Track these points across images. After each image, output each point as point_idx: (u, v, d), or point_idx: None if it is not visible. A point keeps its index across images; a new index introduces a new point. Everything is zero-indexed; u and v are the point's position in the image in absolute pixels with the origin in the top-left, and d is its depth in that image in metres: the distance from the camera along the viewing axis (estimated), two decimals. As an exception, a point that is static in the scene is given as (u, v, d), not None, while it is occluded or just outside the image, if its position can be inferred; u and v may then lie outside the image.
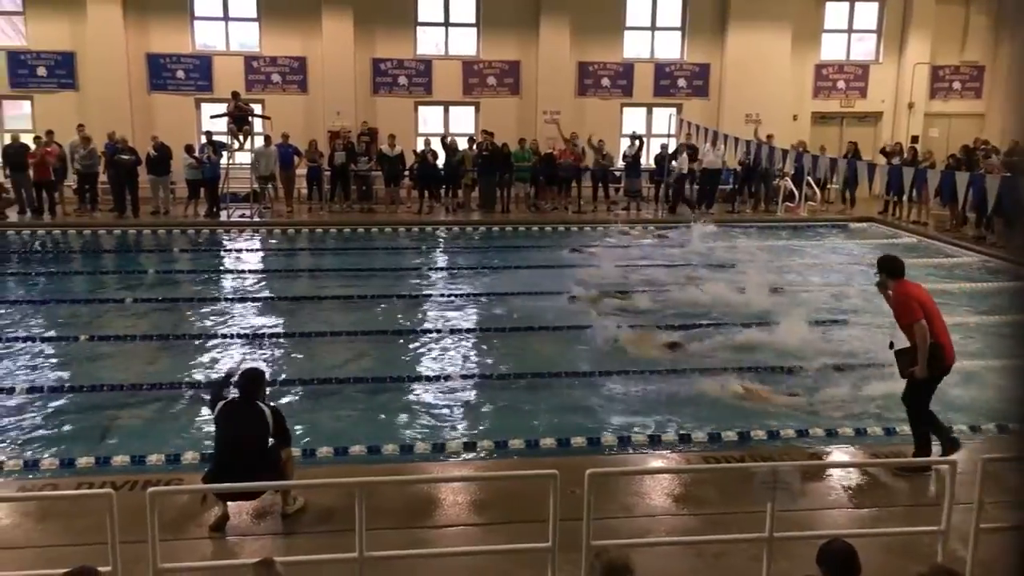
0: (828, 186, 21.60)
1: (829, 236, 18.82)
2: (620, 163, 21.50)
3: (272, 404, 6.58)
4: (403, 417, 8.49)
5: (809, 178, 20.56)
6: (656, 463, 7.46)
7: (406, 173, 20.64)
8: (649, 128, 23.71)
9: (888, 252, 7.62)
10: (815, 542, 4.48)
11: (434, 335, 11.17)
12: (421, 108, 23.18)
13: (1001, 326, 10.97)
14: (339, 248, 17.30)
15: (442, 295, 13.19)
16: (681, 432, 7.92)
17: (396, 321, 11.89)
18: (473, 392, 9.15)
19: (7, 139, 19.59)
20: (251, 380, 6.36)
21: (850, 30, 24.40)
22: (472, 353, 10.53)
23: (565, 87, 23.04)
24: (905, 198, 19.31)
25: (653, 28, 23.65)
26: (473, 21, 23.00)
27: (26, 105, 21.80)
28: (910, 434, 7.18)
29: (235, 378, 6.61)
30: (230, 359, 10.01)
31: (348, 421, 8.35)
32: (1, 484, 6.89)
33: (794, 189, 20.92)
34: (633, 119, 23.65)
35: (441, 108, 23.31)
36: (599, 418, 8.42)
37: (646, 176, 21.64)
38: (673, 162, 20.63)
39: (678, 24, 23.68)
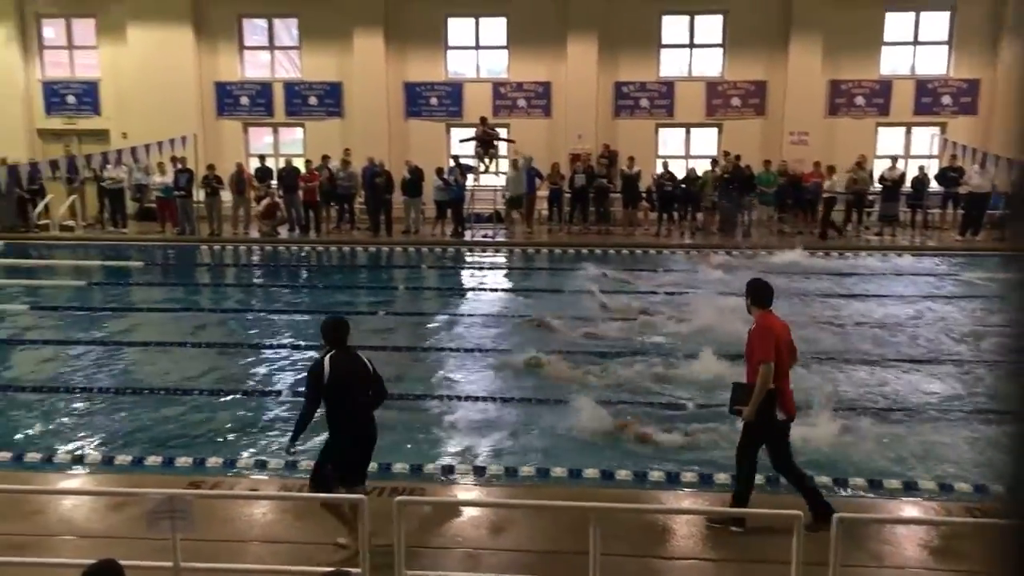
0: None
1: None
2: (876, 186, 20.26)
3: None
4: (639, 444, 8.35)
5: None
6: (911, 511, 6.88)
7: (644, 195, 20.66)
8: (907, 149, 22.22)
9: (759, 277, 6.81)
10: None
11: (673, 359, 10.90)
12: (662, 130, 23.08)
13: None
14: (575, 269, 17.45)
15: (672, 317, 12.88)
16: (942, 482, 7.24)
17: (629, 343, 11.76)
18: (711, 421, 8.85)
19: (281, 163, 21.54)
20: (344, 325, 6.05)
21: None
22: (712, 380, 10.19)
23: (814, 107, 22.11)
24: None
25: (915, 43, 22.19)
26: (719, 42, 22.62)
27: (299, 131, 23.91)
28: None
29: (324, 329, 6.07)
30: (471, 372, 10.37)
31: (583, 443, 8.34)
32: (265, 482, 7.49)
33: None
34: (890, 139, 22.28)
35: (682, 130, 23.08)
36: (847, 458, 7.89)
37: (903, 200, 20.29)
38: (827, 182, 19.20)
39: (944, 38, 22.05)
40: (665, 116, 22.86)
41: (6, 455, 7.93)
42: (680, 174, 20.47)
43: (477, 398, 9.48)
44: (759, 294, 6.54)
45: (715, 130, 22.89)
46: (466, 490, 7.25)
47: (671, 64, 22.95)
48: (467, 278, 17.44)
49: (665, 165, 20.72)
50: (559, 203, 20.78)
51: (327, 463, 5.92)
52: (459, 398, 9.52)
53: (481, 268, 18.04)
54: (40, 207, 20.80)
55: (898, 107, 22.23)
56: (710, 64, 22.84)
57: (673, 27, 22.72)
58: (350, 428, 5.85)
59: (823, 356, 10.99)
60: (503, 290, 15.79)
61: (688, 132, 23.11)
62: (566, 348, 11.25)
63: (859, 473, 7.48)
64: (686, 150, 22.86)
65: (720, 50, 22.67)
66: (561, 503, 6.31)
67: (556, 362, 10.54)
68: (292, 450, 6.07)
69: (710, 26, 22.66)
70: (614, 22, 22.11)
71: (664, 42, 22.78)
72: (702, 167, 20.81)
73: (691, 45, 22.83)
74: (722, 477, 7.43)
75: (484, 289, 15.84)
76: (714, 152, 22.21)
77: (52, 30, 23.88)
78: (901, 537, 6.33)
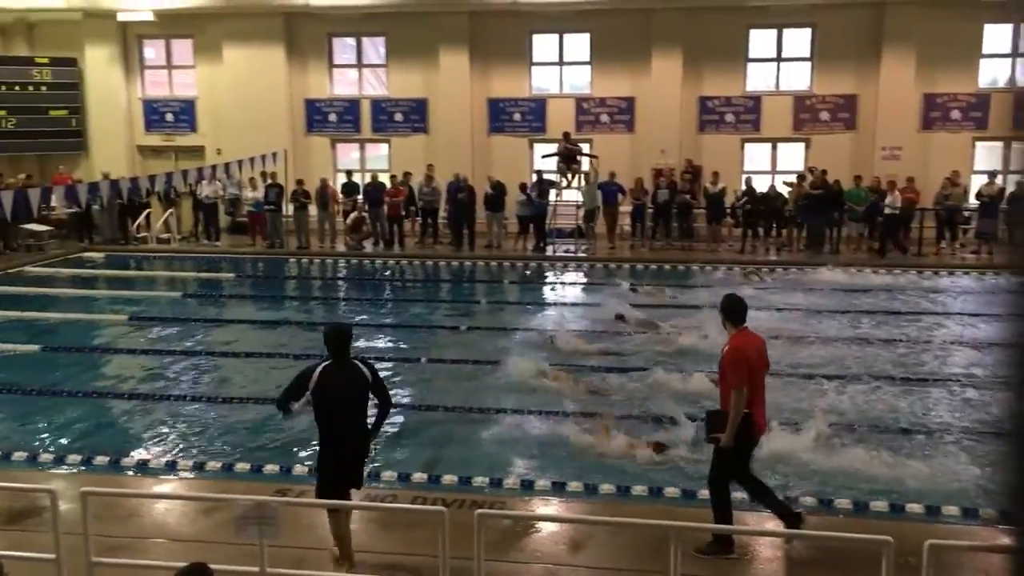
0: None
1: None
2: (973, 201, 19.57)
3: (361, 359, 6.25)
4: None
5: None
6: (1007, 539, 6.59)
7: (729, 211, 20.40)
8: (1005, 164, 21.40)
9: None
10: None
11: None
12: (747, 145, 22.74)
13: None
14: (657, 284, 17.29)
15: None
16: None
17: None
18: (797, 444, 8.63)
19: (367, 178, 21.96)
20: (346, 335, 6.05)
21: None
22: (793, 400, 9.98)
23: (907, 121, 21.48)
24: None
25: (1014, 54, 21.39)
26: (807, 55, 22.21)
27: (384, 147, 24.32)
28: None
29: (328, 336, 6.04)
30: (540, 388, 10.37)
31: (664, 461, 8.26)
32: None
33: None
34: (988, 154, 21.51)
35: (769, 145, 22.70)
36: (938, 483, 7.62)
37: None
38: (887, 198, 18.52)
39: (1047, 48, 21.24)
40: (751, 131, 22.52)
41: (103, 459, 8.27)
42: (764, 190, 20.16)
43: (557, 413, 9.45)
44: (732, 310, 6.35)
45: (802, 145, 22.44)
46: (545, 505, 7.25)
47: (758, 78, 22.60)
48: (548, 293, 17.46)
49: (748, 182, 20.42)
50: (642, 218, 20.65)
51: (319, 470, 6.06)
52: (539, 412, 9.51)
53: (563, 283, 18.03)
54: (140, 219, 21.64)
55: (997, 121, 21.44)
56: (798, 78, 22.42)
57: (760, 41, 22.39)
58: (330, 440, 5.97)
59: (911, 377, 10.70)
60: (584, 305, 15.72)
61: (775, 147, 22.71)
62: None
63: (949, 499, 7.22)
64: (772, 165, 22.46)
65: (808, 63, 22.25)
66: (642, 520, 6.26)
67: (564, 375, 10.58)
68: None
69: (798, 39, 22.26)
70: (699, 36, 21.90)
71: (751, 56, 22.47)
72: (783, 183, 20.49)
73: (778, 59, 22.46)
74: (808, 501, 7.27)
75: (564, 304, 15.82)
76: (801, 167, 21.76)
77: (152, 50, 24.87)
78: (998, 568, 6.08)
